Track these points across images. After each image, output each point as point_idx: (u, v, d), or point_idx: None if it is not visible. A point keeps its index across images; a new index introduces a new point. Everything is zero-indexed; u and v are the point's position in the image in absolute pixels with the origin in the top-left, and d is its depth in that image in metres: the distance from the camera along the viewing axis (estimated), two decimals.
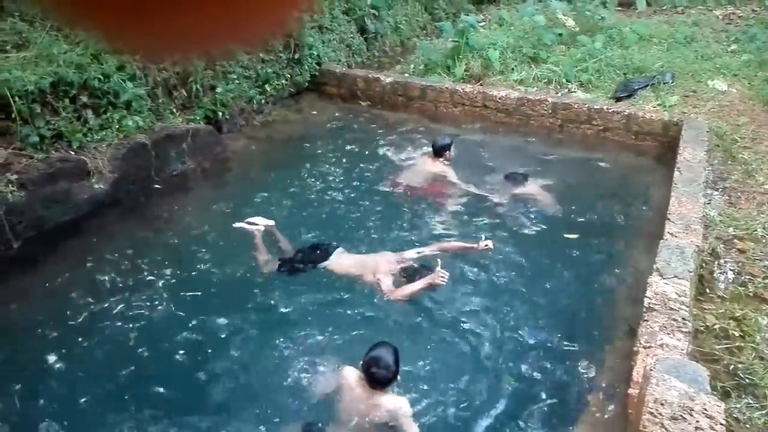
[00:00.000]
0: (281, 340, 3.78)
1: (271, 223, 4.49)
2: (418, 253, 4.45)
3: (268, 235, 4.50)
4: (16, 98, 4.34)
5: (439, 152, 5.76)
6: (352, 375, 3.12)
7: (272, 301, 4.14)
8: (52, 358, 3.55)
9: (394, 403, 3.01)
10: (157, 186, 5.23)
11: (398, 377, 3.08)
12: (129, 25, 0.31)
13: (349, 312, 4.06)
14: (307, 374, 3.43)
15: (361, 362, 3.07)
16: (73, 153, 4.68)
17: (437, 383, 3.49)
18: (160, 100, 5.60)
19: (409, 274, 4.25)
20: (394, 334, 3.79)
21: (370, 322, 3.97)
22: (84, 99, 4.84)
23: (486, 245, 4.48)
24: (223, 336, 3.80)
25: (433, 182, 5.67)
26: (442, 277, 3.95)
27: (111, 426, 3.14)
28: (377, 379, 3.00)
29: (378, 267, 4.26)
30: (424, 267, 4.28)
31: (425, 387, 3.45)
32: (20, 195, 4.21)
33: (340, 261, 4.37)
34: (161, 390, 3.39)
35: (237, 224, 4.46)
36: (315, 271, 4.33)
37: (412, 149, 6.47)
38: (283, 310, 4.06)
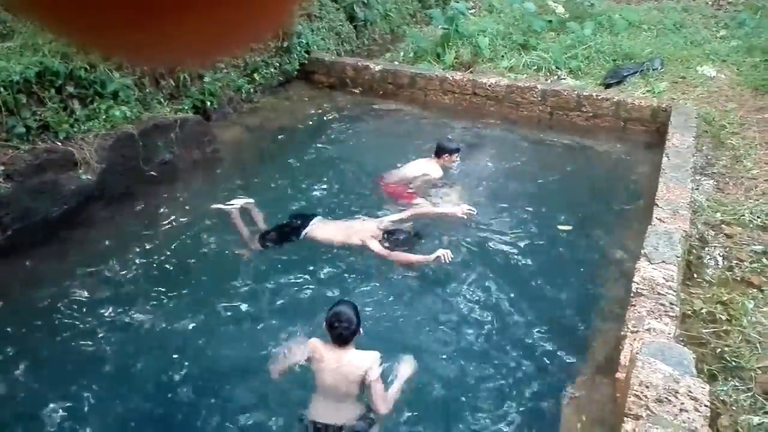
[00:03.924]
0: (272, 319, 3.86)
1: (251, 200, 4.61)
2: (395, 219, 4.57)
3: (247, 214, 4.58)
4: (1, 89, 4.29)
5: (438, 153, 5.33)
6: (318, 344, 3.18)
7: (261, 281, 4.21)
8: (39, 351, 3.54)
9: (363, 357, 3.10)
10: (151, 173, 5.19)
11: (361, 330, 3.17)
12: (117, 31, 0.31)
13: (333, 285, 4.17)
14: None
15: (324, 322, 3.15)
16: (59, 144, 4.63)
17: (422, 361, 3.52)
18: (148, 90, 5.55)
19: (393, 237, 4.39)
20: (383, 305, 3.93)
21: (359, 291, 4.08)
22: (70, 89, 4.79)
23: (468, 210, 4.59)
24: (214, 321, 3.84)
25: (414, 182, 5.30)
26: (446, 255, 4.09)
27: (99, 416, 3.15)
28: (341, 334, 3.08)
29: (361, 231, 4.39)
30: (406, 232, 4.48)
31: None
32: (7, 186, 4.18)
33: (322, 227, 4.48)
34: (147, 380, 3.40)
35: (215, 205, 4.54)
36: (298, 241, 4.41)
37: (400, 140, 6.45)
38: (271, 288, 4.14)
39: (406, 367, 3.23)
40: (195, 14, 0.30)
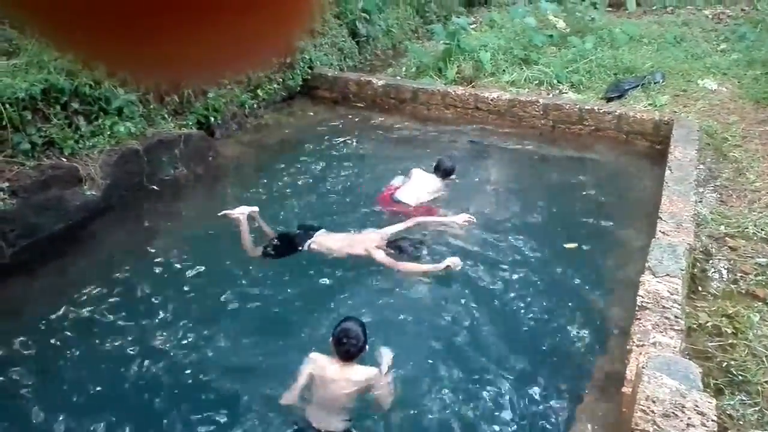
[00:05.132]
0: (273, 331, 3.88)
1: (255, 209, 4.61)
2: (398, 230, 4.61)
3: (253, 222, 4.61)
4: (7, 105, 4.33)
5: (444, 175, 5.42)
6: (320, 358, 3.24)
7: (266, 292, 4.23)
8: (45, 367, 3.54)
9: (367, 372, 3.17)
10: (155, 189, 5.22)
11: (367, 347, 3.24)
12: (122, 47, 0.31)
13: (336, 295, 4.19)
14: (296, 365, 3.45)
15: (331, 337, 3.22)
16: (64, 160, 4.66)
17: (426, 375, 3.51)
18: (152, 106, 5.59)
19: (396, 247, 4.42)
20: (385, 315, 3.95)
21: (362, 302, 4.09)
22: (75, 106, 4.83)
23: (468, 218, 4.71)
24: (218, 331, 3.85)
25: (429, 202, 5.30)
26: (454, 263, 4.17)
27: (106, 425, 3.15)
28: (348, 351, 3.14)
29: (365, 241, 4.41)
30: (409, 241, 4.51)
31: (413, 376, 3.49)
32: (12, 203, 4.20)
33: (325, 239, 4.50)
34: (154, 392, 3.40)
35: (223, 212, 4.55)
36: (301, 252, 4.44)
37: (404, 155, 6.46)
38: (277, 298, 4.16)
39: (387, 356, 3.34)
40: (203, 33, 0.31)
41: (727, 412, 3.06)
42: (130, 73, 0.35)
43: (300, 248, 4.45)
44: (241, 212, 4.51)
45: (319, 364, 3.21)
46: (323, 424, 3.07)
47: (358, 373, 3.17)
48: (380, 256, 4.30)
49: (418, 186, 5.35)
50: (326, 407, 3.12)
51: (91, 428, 3.16)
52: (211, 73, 0.36)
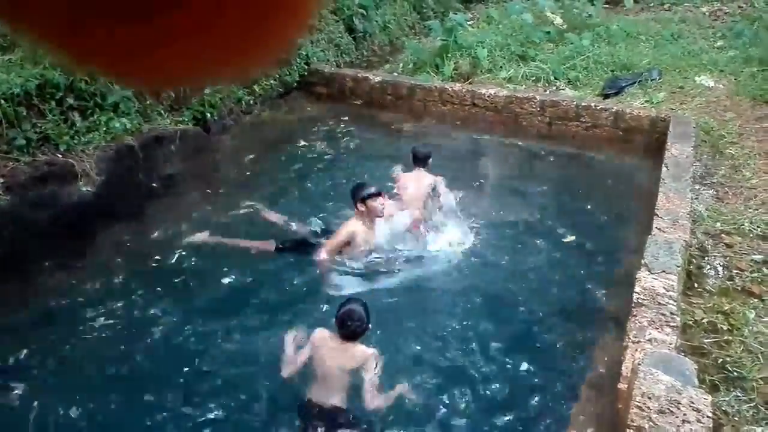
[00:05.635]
0: (274, 321, 3.91)
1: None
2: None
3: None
4: (2, 101, 4.30)
5: (426, 158, 5.32)
6: (324, 334, 3.33)
7: (263, 284, 4.29)
8: (38, 364, 3.53)
9: (365, 351, 3.25)
10: (151, 185, 5.21)
11: (370, 327, 3.32)
12: (120, 58, 0.31)
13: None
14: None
15: (335, 318, 3.28)
16: (60, 156, 4.64)
17: (422, 372, 3.52)
18: (148, 102, 5.57)
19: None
20: (383, 313, 3.91)
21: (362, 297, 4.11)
22: (70, 101, 4.80)
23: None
24: (217, 330, 3.86)
25: (431, 192, 5.22)
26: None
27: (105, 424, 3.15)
28: (352, 331, 3.23)
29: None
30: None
31: (406, 371, 3.50)
32: (6, 198, 4.18)
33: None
34: (154, 384, 3.40)
35: (187, 241, 4.72)
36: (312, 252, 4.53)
37: (400, 151, 6.44)
38: (276, 291, 4.22)
39: (404, 387, 3.34)
40: (201, 37, 0.30)
41: (723, 409, 3.06)
42: (128, 81, 0.34)
43: (312, 243, 4.60)
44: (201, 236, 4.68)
45: (322, 337, 3.31)
46: (322, 399, 3.17)
47: (358, 349, 3.25)
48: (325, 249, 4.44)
49: (412, 184, 5.30)
50: (325, 384, 3.21)
51: (91, 420, 3.16)
52: (210, 76, 0.35)
